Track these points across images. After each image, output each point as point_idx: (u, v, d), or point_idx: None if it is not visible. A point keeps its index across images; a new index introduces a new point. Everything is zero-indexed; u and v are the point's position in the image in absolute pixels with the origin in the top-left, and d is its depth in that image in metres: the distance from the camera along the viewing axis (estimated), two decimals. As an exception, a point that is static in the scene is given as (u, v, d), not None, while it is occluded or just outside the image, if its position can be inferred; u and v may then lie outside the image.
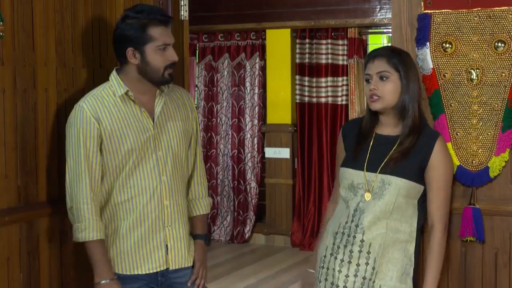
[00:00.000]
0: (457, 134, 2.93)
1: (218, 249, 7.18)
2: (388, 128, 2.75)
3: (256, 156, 7.39)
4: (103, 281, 2.67)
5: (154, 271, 2.75)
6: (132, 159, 2.71)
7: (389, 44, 3.01)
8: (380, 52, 2.73)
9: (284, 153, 7.28)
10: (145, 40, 2.67)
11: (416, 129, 2.69)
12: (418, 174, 2.68)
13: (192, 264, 2.86)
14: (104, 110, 2.70)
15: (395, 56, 2.69)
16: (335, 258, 2.72)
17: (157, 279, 2.77)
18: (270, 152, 7.33)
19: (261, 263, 6.70)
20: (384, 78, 2.68)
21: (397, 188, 2.65)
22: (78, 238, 2.68)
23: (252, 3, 7.22)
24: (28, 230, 2.82)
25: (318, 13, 6.94)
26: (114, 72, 2.78)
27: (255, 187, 7.38)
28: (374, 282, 2.66)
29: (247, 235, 7.42)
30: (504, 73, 2.86)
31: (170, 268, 2.77)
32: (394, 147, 2.69)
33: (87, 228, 2.65)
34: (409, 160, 2.66)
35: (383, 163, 2.68)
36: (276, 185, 7.33)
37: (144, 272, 2.74)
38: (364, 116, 2.83)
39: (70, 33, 3.00)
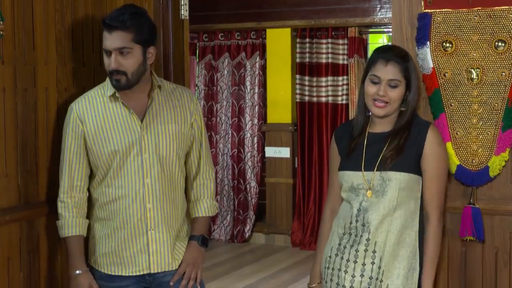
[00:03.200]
0: (457, 134, 2.93)
1: (218, 248, 7.18)
2: (380, 126, 2.74)
3: (256, 156, 7.39)
4: (77, 271, 2.72)
5: (137, 274, 2.75)
6: (116, 161, 2.71)
7: (394, 44, 2.97)
8: (394, 57, 2.66)
9: (284, 152, 7.28)
10: (102, 42, 2.72)
11: (407, 125, 2.69)
12: (415, 165, 2.68)
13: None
14: (91, 111, 2.73)
15: (405, 63, 2.67)
16: (341, 258, 2.71)
17: (145, 278, 2.77)
18: (270, 152, 7.33)
19: (261, 263, 6.70)
20: (394, 85, 2.66)
21: (397, 182, 2.65)
22: (59, 234, 2.77)
23: (252, 2, 7.21)
24: (29, 229, 2.82)
25: (318, 12, 6.94)
26: None
27: (255, 187, 7.38)
28: (381, 281, 2.65)
29: (247, 235, 7.42)
30: (504, 72, 2.86)
31: (152, 272, 2.76)
32: (387, 145, 2.69)
33: (63, 225, 2.74)
34: (404, 154, 2.66)
35: (379, 160, 2.67)
36: (276, 185, 7.33)
37: (127, 274, 2.75)
38: (354, 118, 2.80)
39: (71, 32, 3.00)
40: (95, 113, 2.73)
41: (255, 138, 7.38)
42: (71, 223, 2.73)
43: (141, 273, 2.75)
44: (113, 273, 2.75)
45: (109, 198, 2.74)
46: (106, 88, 2.76)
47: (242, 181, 7.45)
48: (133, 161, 2.72)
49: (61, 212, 2.74)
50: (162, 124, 2.76)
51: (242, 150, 7.44)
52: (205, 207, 2.92)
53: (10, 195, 2.76)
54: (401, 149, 2.66)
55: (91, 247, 2.83)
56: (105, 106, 2.74)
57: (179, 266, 2.81)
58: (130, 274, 2.75)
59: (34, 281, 2.85)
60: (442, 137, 2.81)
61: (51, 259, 2.93)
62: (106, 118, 2.72)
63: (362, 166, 2.69)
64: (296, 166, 7.27)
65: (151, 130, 2.75)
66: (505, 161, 2.87)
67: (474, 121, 2.92)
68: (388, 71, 2.65)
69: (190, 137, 2.86)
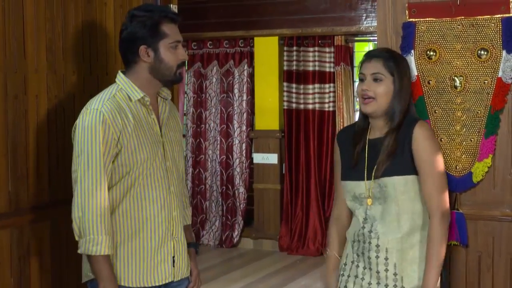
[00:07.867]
0: (441, 140, 2.98)
1: (207, 253, 7.19)
2: (378, 131, 2.73)
3: (244, 162, 7.42)
4: None
5: (161, 283, 2.67)
6: (146, 169, 2.59)
7: (387, 47, 3.01)
8: (378, 53, 2.71)
9: (272, 158, 7.32)
10: (158, 37, 2.60)
11: (397, 126, 2.67)
12: (410, 165, 2.65)
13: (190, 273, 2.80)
14: (123, 117, 2.55)
15: (392, 59, 2.68)
16: (357, 266, 2.72)
17: None
18: (258, 158, 7.37)
19: (250, 267, 6.73)
20: (378, 80, 2.66)
21: (392, 187, 2.63)
22: (90, 251, 2.48)
23: (241, 11, 7.26)
24: (19, 235, 2.83)
25: (306, 21, 7.00)
26: (121, 74, 2.63)
27: (243, 192, 7.41)
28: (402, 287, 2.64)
29: (235, 240, 7.45)
30: (486, 80, 2.91)
31: (175, 280, 2.71)
32: (381, 150, 2.67)
33: (101, 242, 2.48)
34: (396, 157, 2.64)
35: (375, 168, 2.66)
36: (264, 190, 7.37)
37: (150, 285, 2.65)
38: (356, 122, 2.81)
39: (61, 41, 3.03)
40: (127, 119, 2.55)
41: (243, 145, 7.41)
42: (108, 241, 2.50)
43: (165, 281, 2.67)
44: (135, 286, 2.62)
45: (135, 207, 2.59)
46: (128, 91, 2.60)
47: (230, 187, 7.48)
48: (159, 168, 2.64)
49: (99, 227, 2.48)
50: (172, 131, 2.74)
51: (230, 157, 7.47)
52: (189, 215, 2.92)
53: (0, 201, 2.77)
54: (391, 152, 2.64)
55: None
56: (132, 111, 2.58)
57: (190, 274, 2.79)
58: (152, 285, 2.65)
59: (24, 287, 2.87)
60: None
61: (41, 265, 2.94)
62: (136, 124, 2.58)
63: (365, 175, 2.68)
64: (283, 172, 7.31)
65: (168, 137, 2.70)
66: (488, 167, 2.91)
67: (458, 128, 2.96)
68: (370, 66, 2.68)
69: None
